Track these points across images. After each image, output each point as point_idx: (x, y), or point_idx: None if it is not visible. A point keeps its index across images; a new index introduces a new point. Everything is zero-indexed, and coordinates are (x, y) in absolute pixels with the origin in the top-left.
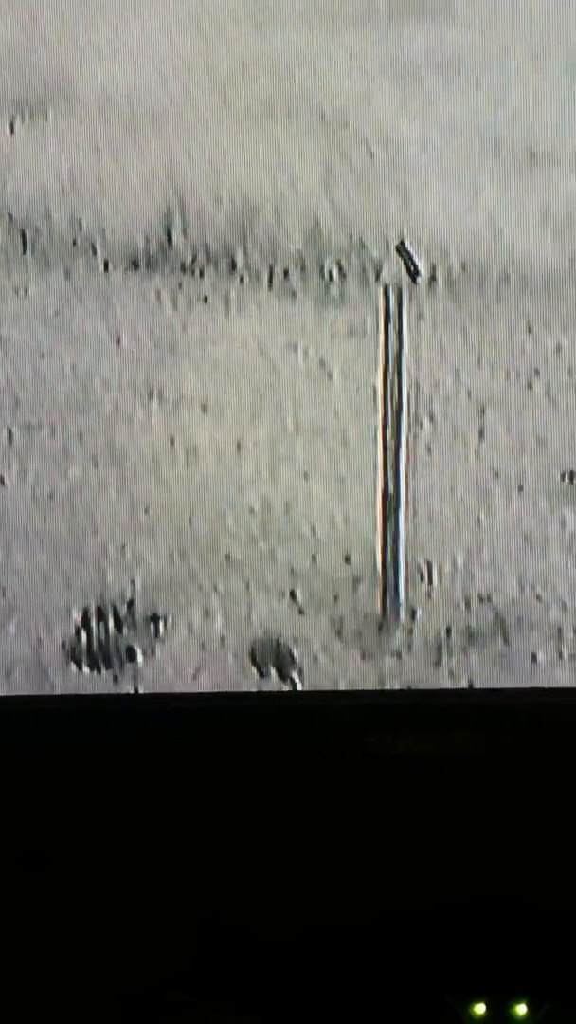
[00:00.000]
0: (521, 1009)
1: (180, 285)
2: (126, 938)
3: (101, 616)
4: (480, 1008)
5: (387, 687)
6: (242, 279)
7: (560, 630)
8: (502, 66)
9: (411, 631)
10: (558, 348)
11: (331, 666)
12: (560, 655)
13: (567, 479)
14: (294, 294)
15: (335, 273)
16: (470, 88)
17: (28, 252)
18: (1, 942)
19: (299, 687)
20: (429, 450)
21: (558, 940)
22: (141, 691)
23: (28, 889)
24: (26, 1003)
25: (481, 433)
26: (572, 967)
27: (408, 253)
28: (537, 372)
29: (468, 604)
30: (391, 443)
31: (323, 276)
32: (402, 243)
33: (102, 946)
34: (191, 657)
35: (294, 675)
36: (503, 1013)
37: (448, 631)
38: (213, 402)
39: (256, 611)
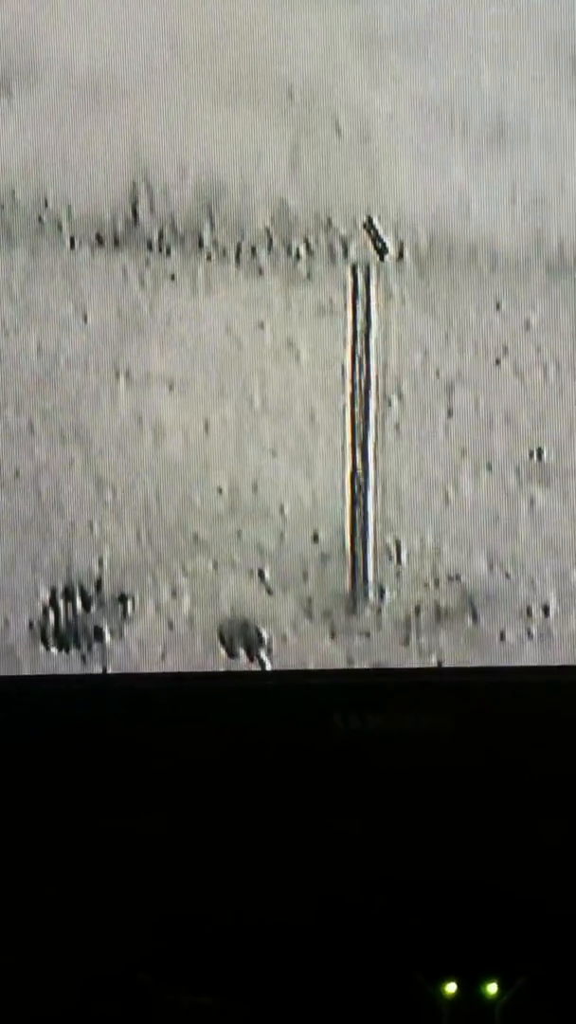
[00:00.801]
0: (492, 988)
1: (147, 262)
2: (94, 920)
3: (69, 596)
4: (451, 987)
5: (356, 666)
6: (209, 256)
7: (529, 608)
8: (472, 41)
9: (380, 610)
10: (527, 325)
11: (300, 645)
12: (529, 633)
13: (535, 456)
14: (261, 272)
15: (303, 251)
16: (439, 63)
17: None
18: None
19: (268, 666)
20: (397, 428)
21: (528, 919)
22: (109, 671)
23: None
24: None
25: (449, 411)
26: (543, 946)
27: (375, 230)
28: (505, 349)
29: (437, 582)
30: (359, 421)
31: (291, 254)
32: (369, 220)
33: (68, 927)
34: (159, 637)
35: (263, 654)
36: (474, 992)
37: (417, 610)
38: (180, 381)
39: (224, 590)
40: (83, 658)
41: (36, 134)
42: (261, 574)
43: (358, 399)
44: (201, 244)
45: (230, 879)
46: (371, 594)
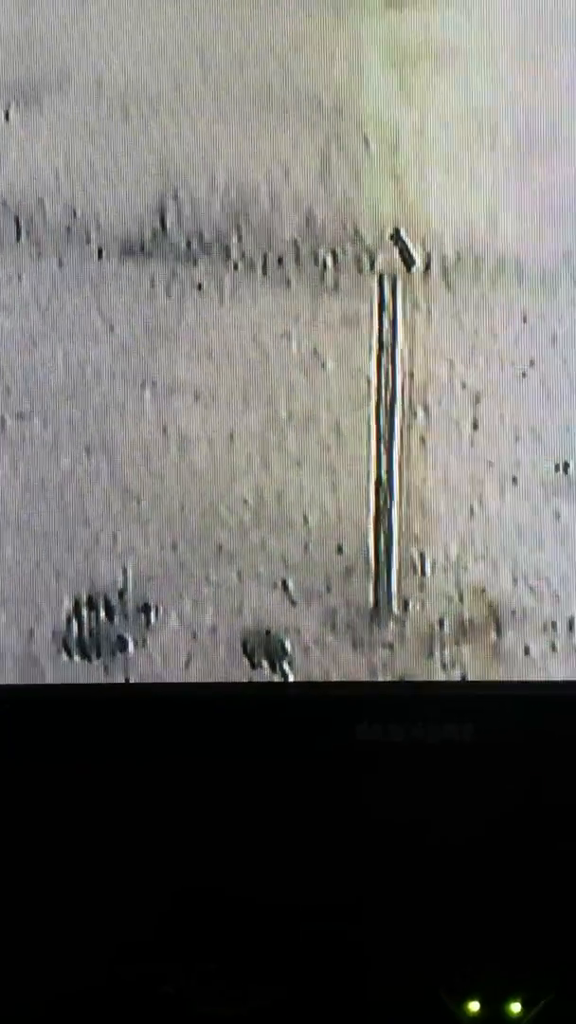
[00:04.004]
0: (515, 1007)
1: (174, 273)
2: (115, 921)
3: (92, 605)
4: (474, 1006)
5: (379, 678)
6: (236, 266)
7: (553, 623)
8: (500, 51)
9: (403, 623)
10: (553, 338)
11: (323, 657)
12: (553, 648)
13: (561, 470)
14: (288, 282)
15: (329, 261)
16: (467, 74)
17: (22, 239)
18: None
19: (290, 678)
20: (423, 440)
21: (553, 937)
22: (132, 680)
23: (21, 877)
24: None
25: (475, 423)
26: (567, 965)
27: (403, 242)
28: (532, 362)
29: (461, 596)
30: (384, 433)
31: (318, 264)
32: (397, 231)
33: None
34: (182, 647)
35: (285, 666)
36: (497, 1011)
37: (441, 623)
38: (206, 391)
39: (248, 601)
40: (106, 667)
41: (65, 145)
42: (285, 585)
43: (383, 411)
44: (228, 254)
45: (252, 888)
46: (395, 607)
